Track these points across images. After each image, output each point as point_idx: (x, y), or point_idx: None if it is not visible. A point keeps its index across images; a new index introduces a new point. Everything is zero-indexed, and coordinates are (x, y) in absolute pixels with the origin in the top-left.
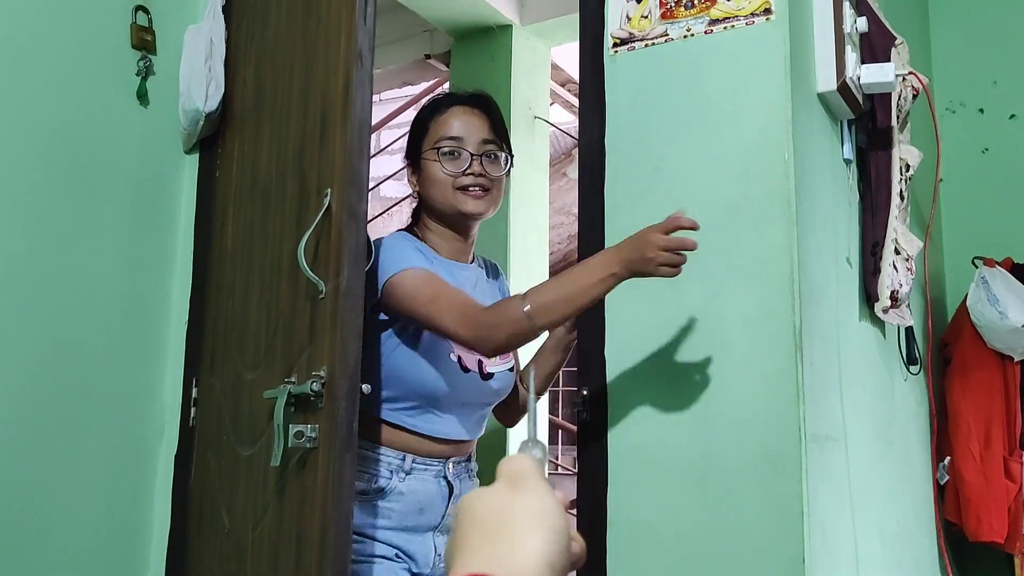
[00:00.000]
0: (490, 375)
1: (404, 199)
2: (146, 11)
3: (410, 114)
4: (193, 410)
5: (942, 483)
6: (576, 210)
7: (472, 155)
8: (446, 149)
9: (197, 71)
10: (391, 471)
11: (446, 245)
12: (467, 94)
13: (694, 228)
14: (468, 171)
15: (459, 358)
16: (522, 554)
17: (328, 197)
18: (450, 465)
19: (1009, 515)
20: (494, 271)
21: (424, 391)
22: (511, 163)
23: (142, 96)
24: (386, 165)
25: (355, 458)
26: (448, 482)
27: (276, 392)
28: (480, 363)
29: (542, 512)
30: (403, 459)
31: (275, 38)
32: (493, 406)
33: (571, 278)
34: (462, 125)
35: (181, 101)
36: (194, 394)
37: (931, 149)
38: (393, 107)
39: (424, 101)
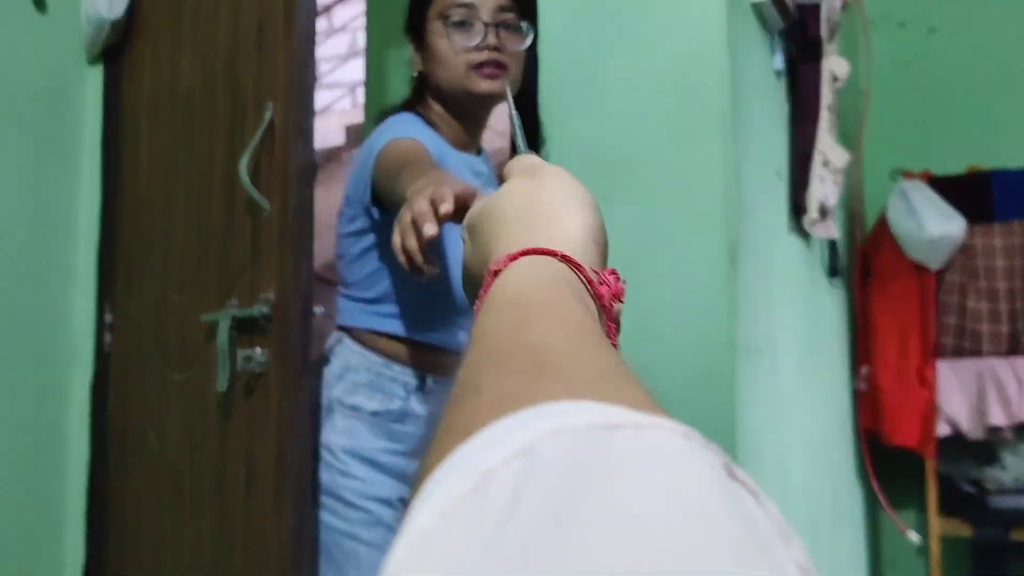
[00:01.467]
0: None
1: (316, 114)
2: None
3: (320, 23)
4: (108, 336)
5: (861, 391)
6: (499, 126)
7: (487, 25)
8: (456, 18)
9: None
10: (408, 391)
11: (452, 133)
12: None
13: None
14: (483, 45)
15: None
16: (565, 232)
17: (270, 111)
18: (425, 380)
19: (922, 420)
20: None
21: (443, 295)
22: (535, 36)
23: (39, 2)
24: None
25: (309, 382)
26: (420, 389)
27: (217, 316)
28: None
29: (574, 190)
30: (422, 379)
31: None
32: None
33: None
34: None
35: (83, 8)
36: (108, 319)
37: (857, 61)
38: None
39: None
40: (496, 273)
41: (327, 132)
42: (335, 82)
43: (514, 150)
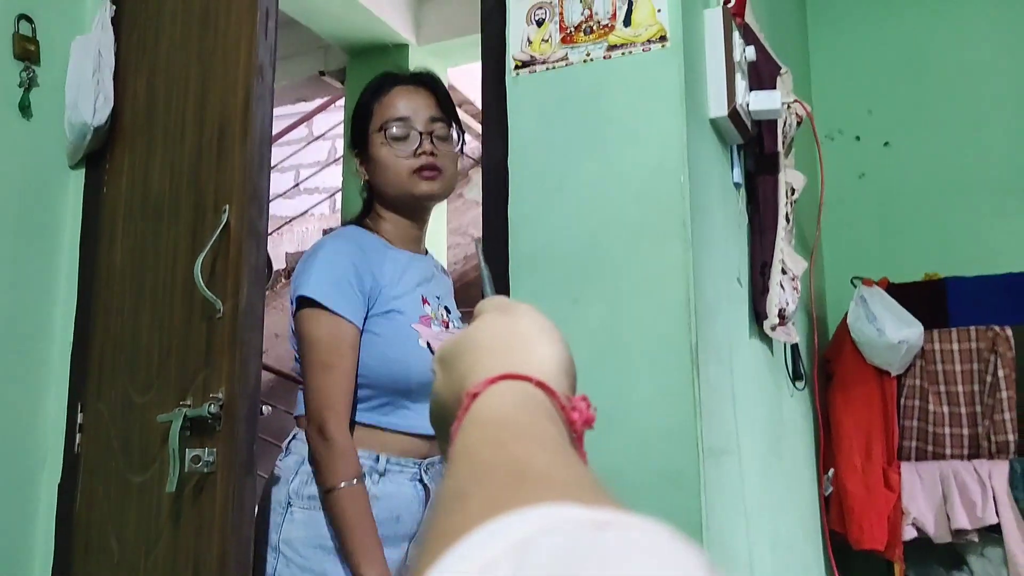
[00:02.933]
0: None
1: (295, 218)
2: (30, 20)
3: (302, 131)
4: (78, 436)
5: (827, 494)
6: (473, 231)
7: (421, 134)
8: (394, 131)
9: (85, 83)
10: (364, 473)
11: (399, 233)
12: (409, 73)
13: None
14: (419, 151)
15: (428, 344)
16: (538, 362)
17: (226, 213)
18: (426, 466)
19: (889, 523)
20: (442, 270)
21: (394, 384)
22: (463, 140)
23: (25, 108)
24: (277, 183)
25: (255, 481)
26: (424, 485)
27: (171, 416)
28: None
29: (545, 326)
30: (376, 460)
31: (169, 50)
32: None
33: (359, 532)
34: (407, 104)
35: (68, 114)
36: (79, 419)
37: (814, 173)
38: (286, 123)
39: (368, 83)
40: (475, 396)
41: (305, 235)
42: (315, 187)
43: (483, 295)
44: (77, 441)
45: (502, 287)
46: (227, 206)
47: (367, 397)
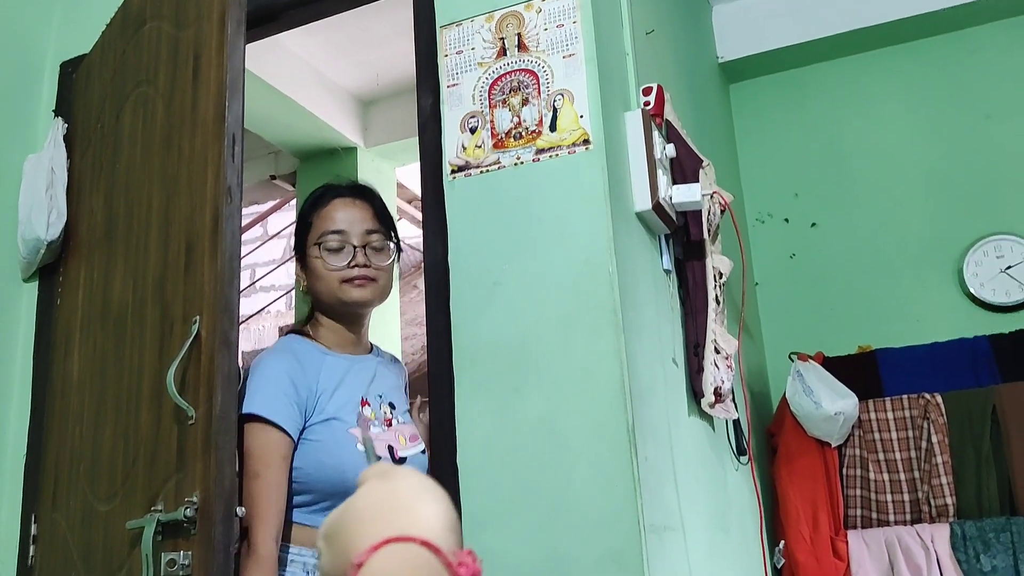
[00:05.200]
0: (403, 459)
1: (252, 316)
2: None
3: (257, 231)
4: (32, 548)
5: (779, 566)
6: (409, 315)
7: (355, 247)
8: (330, 244)
9: (38, 199)
10: (307, 571)
11: (337, 338)
12: (347, 185)
13: None
14: (352, 263)
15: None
16: (423, 522)
17: (196, 324)
18: None
19: None
20: (394, 361)
21: (331, 488)
22: (399, 250)
23: None
24: None
25: None
26: None
27: (142, 521)
28: (391, 448)
29: (427, 485)
30: (317, 557)
31: (128, 170)
32: None
33: None
34: (344, 217)
35: (20, 230)
36: (33, 531)
37: (739, 257)
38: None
39: (308, 195)
40: (359, 566)
41: (262, 333)
42: (270, 285)
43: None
44: (31, 553)
45: (445, 382)
46: (197, 317)
47: (309, 501)
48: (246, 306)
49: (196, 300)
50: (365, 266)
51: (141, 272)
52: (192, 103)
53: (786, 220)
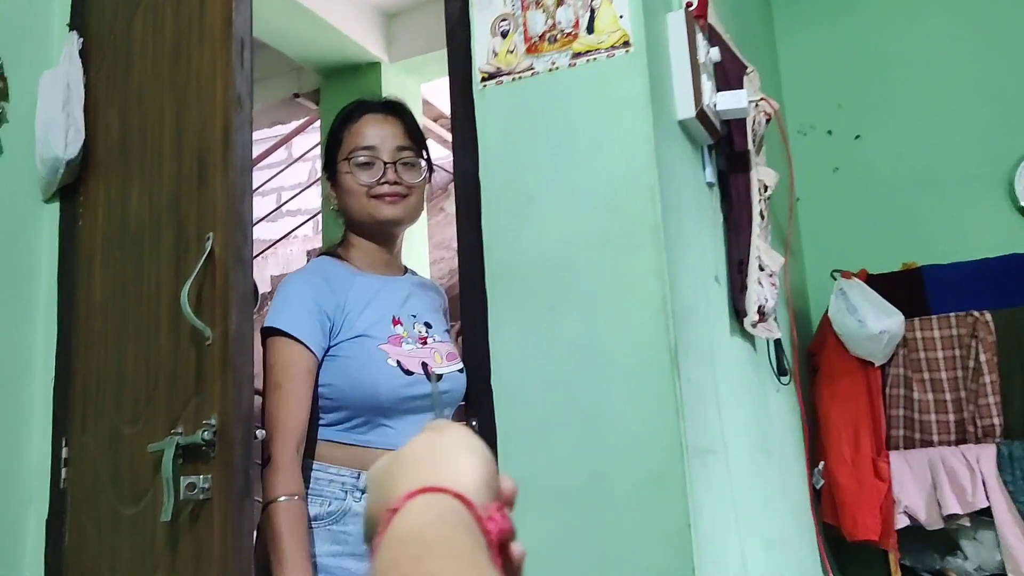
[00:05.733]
0: (439, 376)
1: (279, 240)
2: None
3: (282, 154)
4: (64, 471)
5: (818, 487)
6: (455, 244)
7: (386, 163)
8: (360, 159)
9: (55, 117)
10: (345, 491)
11: (369, 259)
12: (379, 101)
13: None
14: (383, 179)
15: (398, 362)
16: (458, 474)
17: (210, 241)
18: None
19: (881, 513)
20: (433, 287)
21: (368, 404)
22: (430, 168)
23: None
24: (259, 206)
25: (252, 506)
26: None
27: (162, 444)
28: (424, 364)
29: (470, 442)
30: (358, 477)
31: (141, 82)
32: (451, 410)
33: (286, 547)
34: (375, 133)
35: (38, 149)
36: (64, 454)
37: (785, 169)
38: (264, 147)
39: (340, 110)
40: (394, 511)
41: (289, 257)
42: (297, 208)
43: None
44: (63, 476)
45: (478, 303)
46: (211, 234)
47: (345, 418)
48: (273, 230)
49: (209, 216)
50: (396, 183)
51: (156, 189)
52: (199, 8)
53: (829, 132)
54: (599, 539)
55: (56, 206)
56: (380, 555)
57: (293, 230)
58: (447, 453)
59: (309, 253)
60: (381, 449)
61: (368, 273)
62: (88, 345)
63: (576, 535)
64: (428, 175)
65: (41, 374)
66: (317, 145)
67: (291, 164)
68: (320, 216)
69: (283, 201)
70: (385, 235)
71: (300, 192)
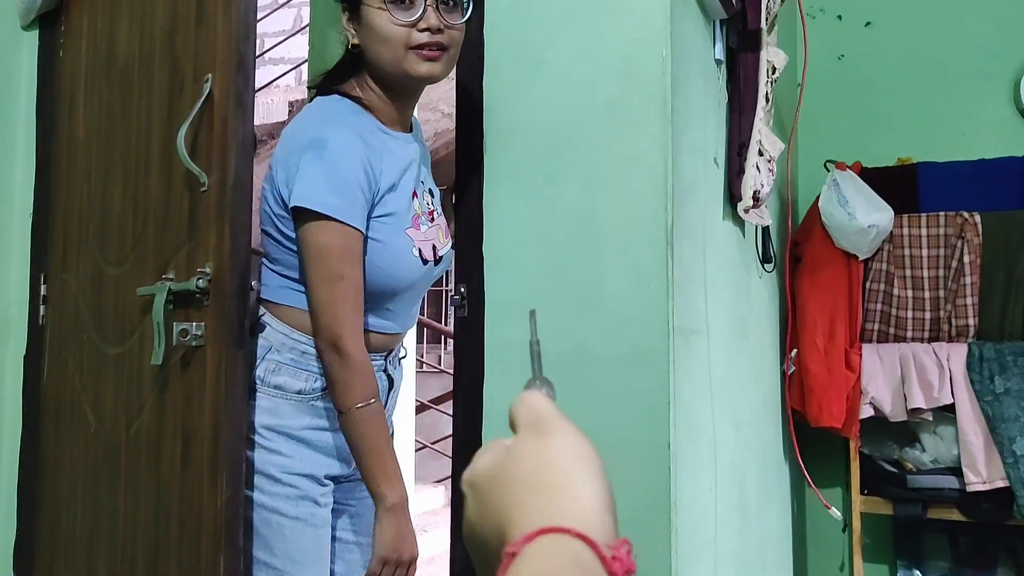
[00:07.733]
0: (440, 258)
1: (260, 89)
2: None
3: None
4: (43, 308)
5: (789, 373)
6: (444, 107)
7: (427, 2)
8: None
9: None
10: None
11: (388, 112)
12: None
13: None
14: (423, 24)
15: (419, 250)
16: (579, 504)
17: (209, 83)
18: (391, 358)
19: (847, 402)
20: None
21: (381, 292)
22: (471, 7)
23: None
24: None
25: (247, 356)
26: (388, 376)
27: (153, 289)
28: (434, 248)
29: (581, 455)
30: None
31: None
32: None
33: (380, 452)
34: None
35: None
36: (43, 291)
37: (795, 53)
38: None
39: None
40: (513, 555)
41: (271, 108)
42: (279, 57)
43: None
44: (42, 312)
45: (475, 165)
46: (210, 75)
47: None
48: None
49: (208, 57)
50: (438, 31)
51: (148, 22)
52: None
53: (839, 17)
54: (579, 409)
55: (35, 34)
56: None
57: (275, 79)
58: (562, 473)
59: (292, 104)
60: (374, 332)
61: (392, 132)
62: (70, 181)
63: (559, 405)
64: (469, 17)
65: (20, 208)
66: None
67: (276, 10)
68: (305, 66)
69: (266, 48)
70: (412, 92)
71: (284, 40)
